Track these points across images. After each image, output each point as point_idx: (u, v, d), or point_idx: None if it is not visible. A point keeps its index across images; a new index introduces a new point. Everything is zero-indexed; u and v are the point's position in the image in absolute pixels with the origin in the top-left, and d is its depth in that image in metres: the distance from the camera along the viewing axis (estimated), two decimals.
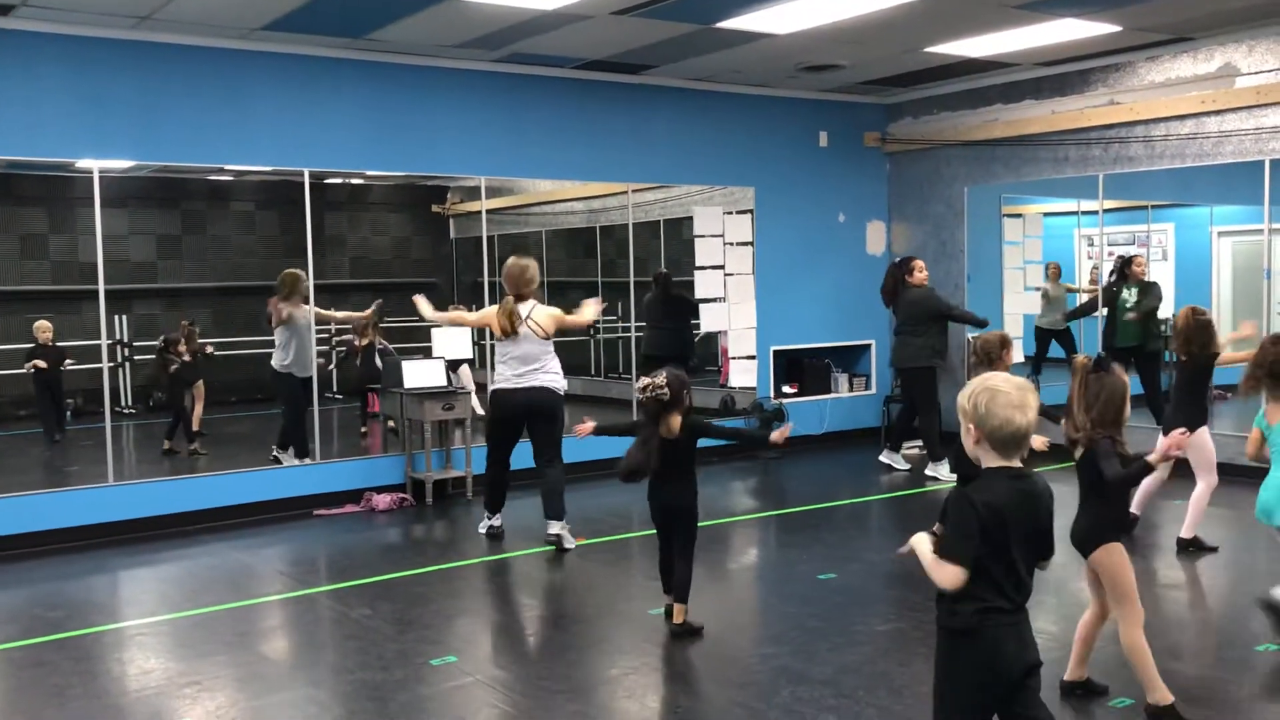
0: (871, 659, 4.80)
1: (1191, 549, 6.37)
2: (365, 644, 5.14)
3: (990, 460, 2.81)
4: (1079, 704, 4.25)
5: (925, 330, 9.01)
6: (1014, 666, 2.79)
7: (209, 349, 9.97)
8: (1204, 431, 6.28)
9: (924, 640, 4.96)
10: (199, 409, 9.80)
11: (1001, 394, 2.75)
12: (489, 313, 7.05)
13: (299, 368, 8.51)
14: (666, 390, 5.06)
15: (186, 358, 9.68)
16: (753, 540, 7.49)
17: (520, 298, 6.88)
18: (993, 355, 5.86)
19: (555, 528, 6.87)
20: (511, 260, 7.06)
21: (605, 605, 5.79)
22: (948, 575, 2.75)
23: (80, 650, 5.19)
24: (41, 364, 9.65)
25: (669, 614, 5.27)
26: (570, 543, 6.84)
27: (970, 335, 6.47)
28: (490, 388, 7.10)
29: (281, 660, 5.13)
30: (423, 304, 7.13)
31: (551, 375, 6.91)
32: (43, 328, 9.87)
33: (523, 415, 6.97)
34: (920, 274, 9.16)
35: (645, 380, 5.14)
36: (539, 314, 6.87)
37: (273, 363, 8.60)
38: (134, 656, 5.14)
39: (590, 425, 5.65)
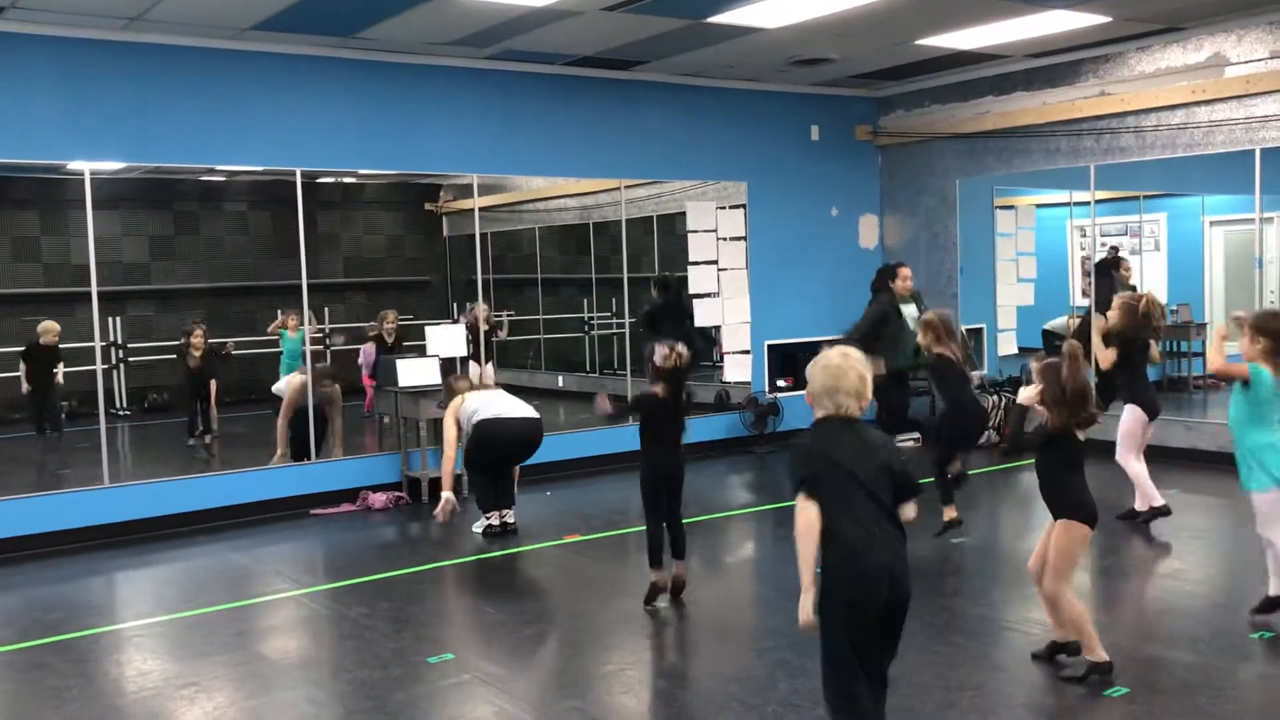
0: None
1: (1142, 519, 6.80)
2: (362, 643, 5.15)
3: (820, 412, 3.38)
4: (1075, 689, 4.27)
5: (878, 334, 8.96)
6: (878, 586, 3.24)
7: (228, 347, 9.96)
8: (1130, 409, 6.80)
9: (920, 631, 4.97)
10: (213, 408, 9.84)
11: (829, 365, 3.36)
12: (454, 405, 7.30)
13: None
14: (687, 357, 5.47)
15: (197, 353, 9.65)
16: (749, 534, 7.50)
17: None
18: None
19: (509, 514, 7.28)
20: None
21: (601, 601, 5.80)
22: (804, 524, 3.24)
23: (78, 652, 5.19)
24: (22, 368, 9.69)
25: (653, 593, 5.49)
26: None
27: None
28: (479, 419, 7.19)
29: (279, 660, 5.13)
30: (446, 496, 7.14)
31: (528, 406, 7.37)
32: (48, 329, 9.80)
33: (509, 449, 7.26)
34: (902, 282, 9.06)
35: (667, 348, 5.45)
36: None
37: None
38: (131, 658, 5.15)
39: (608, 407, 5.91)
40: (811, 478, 3.26)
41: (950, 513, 6.50)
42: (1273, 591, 4.97)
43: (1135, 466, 6.76)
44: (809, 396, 3.42)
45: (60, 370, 9.72)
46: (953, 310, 10.37)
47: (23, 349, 9.86)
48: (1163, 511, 6.72)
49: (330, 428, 8.75)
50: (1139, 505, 6.82)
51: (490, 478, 7.21)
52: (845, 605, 3.23)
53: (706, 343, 10.69)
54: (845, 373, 3.33)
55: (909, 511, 3.37)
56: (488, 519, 7.22)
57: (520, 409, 7.27)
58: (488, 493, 7.22)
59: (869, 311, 9.13)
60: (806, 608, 3.20)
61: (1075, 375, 4.27)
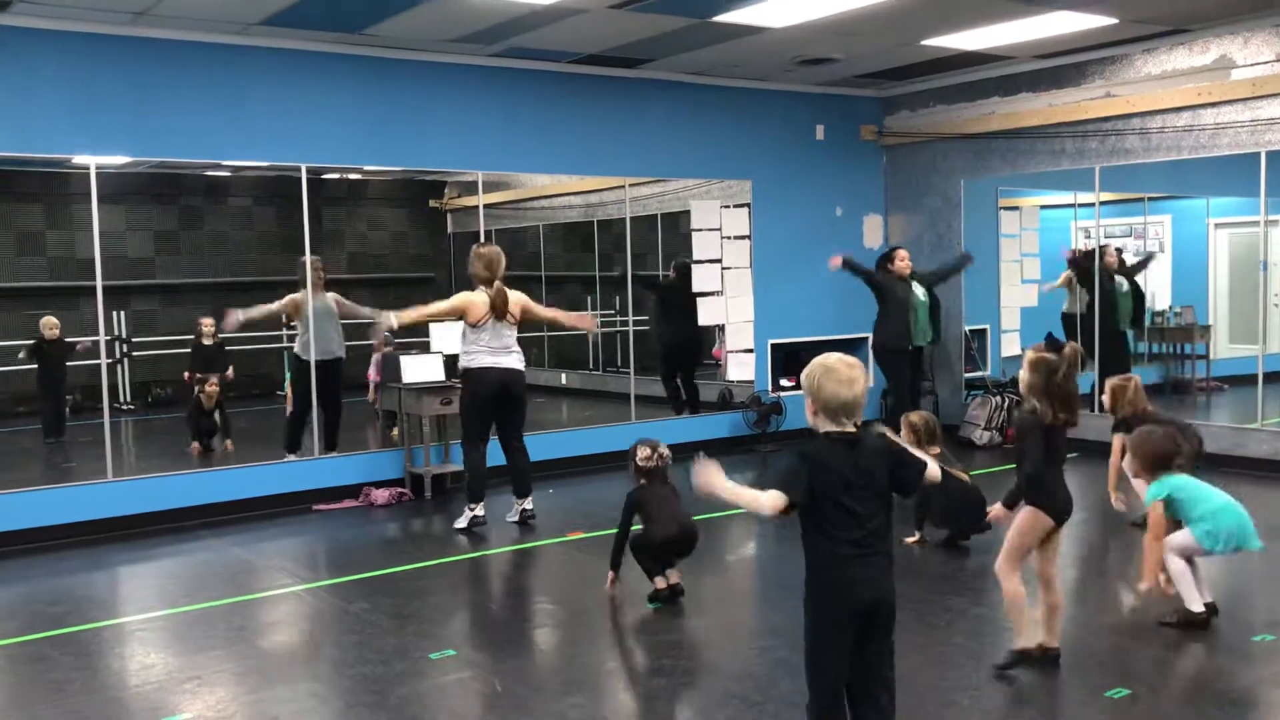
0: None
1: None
2: (364, 638, 5.16)
3: (824, 426, 3.22)
4: (1074, 690, 4.27)
5: (884, 313, 9.42)
6: (860, 601, 3.16)
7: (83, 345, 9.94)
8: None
9: (921, 633, 4.98)
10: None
11: (832, 371, 3.17)
12: (466, 300, 7.07)
13: (304, 351, 8.55)
14: (668, 457, 5.52)
15: (207, 341, 9.67)
16: (751, 533, 7.50)
17: (494, 281, 7.08)
18: None
19: (527, 504, 7.31)
20: (488, 247, 7.25)
21: (603, 598, 5.80)
22: (769, 500, 3.16)
23: (80, 645, 5.20)
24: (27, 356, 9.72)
25: (655, 598, 5.48)
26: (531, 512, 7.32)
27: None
28: (464, 366, 7.14)
29: (281, 655, 5.14)
30: (385, 315, 7.07)
31: (520, 357, 7.21)
32: (48, 323, 9.84)
33: (500, 395, 7.14)
34: (899, 263, 9.42)
35: (649, 448, 5.48)
36: (512, 298, 7.12)
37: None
38: (134, 651, 5.16)
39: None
40: (798, 490, 3.14)
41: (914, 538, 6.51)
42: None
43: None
44: (811, 405, 3.23)
45: (77, 348, 9.76)
46: (956, 310, 10.40)
47: (32, 346, 9.88)
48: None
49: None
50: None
51: (483, 461, 7.17)
52: (830, 621, 3.20)
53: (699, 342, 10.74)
54: (853, 381, 3.17)
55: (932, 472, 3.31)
56: (472, 510, 7.18)
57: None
58: (480, 481, 7.17)
59: (877, 272, 9.50)
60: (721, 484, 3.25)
61: (1069, 378, 4.26)
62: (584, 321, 7.49)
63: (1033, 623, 4.46)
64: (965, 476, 6.11)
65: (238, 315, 8.49)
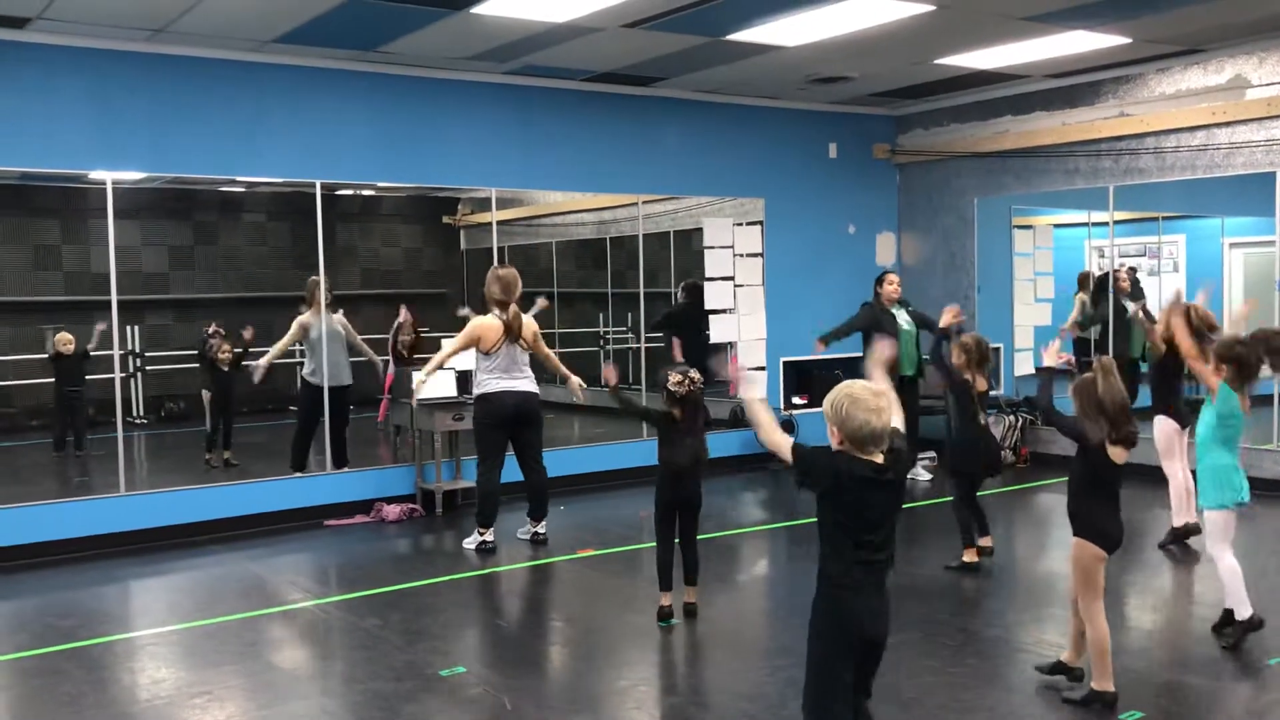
0: (880, 671, 4.75)
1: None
2: (375, 654, 5.15)
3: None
4: (1091, 714, 4.24)
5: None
6: (865, 626, 3.20)
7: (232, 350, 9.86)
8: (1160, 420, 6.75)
9: (933, 653, 4.95)
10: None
11: (860, 400, 3.09)
12: (478, 330, 7.07)
13: (315, 377, 8.58)
14: (700, 382, 5.46)
15: (222, 355, 9.58)
16: (763, 551, 7.49)
17: (509, 305, 7.10)
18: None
19: (540, 526, 7.35)
20: (506, 269, 7.29)
21: (614, 616, 5.79)
22: (782, 443, 3.21)
23: (92, 659, 5.21)
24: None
25: (661, 615, 5.46)
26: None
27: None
28: (479, 392, 7.15)
29: (292, 670, 5.14)
30: (415, 381, 7.29)
31: (532, 380, 7.25)
32: (63, 339, 9.86)
33: (514, 418, 7.16)
34: (888, 287, 9.14)
35: (679, 374, 5.44)
36: (525, 323, 7.18)
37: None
38: (145, 666, 5.16)
39: (614, 378, 5.86)
40: (814, 479, 3.19)
41: (971, 555, 6.40)
42: (1240, 615, 4.94)
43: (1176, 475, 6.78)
44: (837, 435, 3.16)
45: (99, 332, 9.65)
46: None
47: (51, 360, 9.90)
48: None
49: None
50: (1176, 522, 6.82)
51: (497, 486, 7.17)
52: (837, 642, 3.23)
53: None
54: (881, 411, 3.09)
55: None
56: (481, 535, 7.16)
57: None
58: (492, 505, 7.15)
59: (857, 316, 9.19)
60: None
61: (1112, 388, 4.14)
62: (573, 386, 7.43)
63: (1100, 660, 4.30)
64: (983, 420, 6.34)
65: (261, 366, 8.71)
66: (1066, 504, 4.42)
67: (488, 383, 7.09)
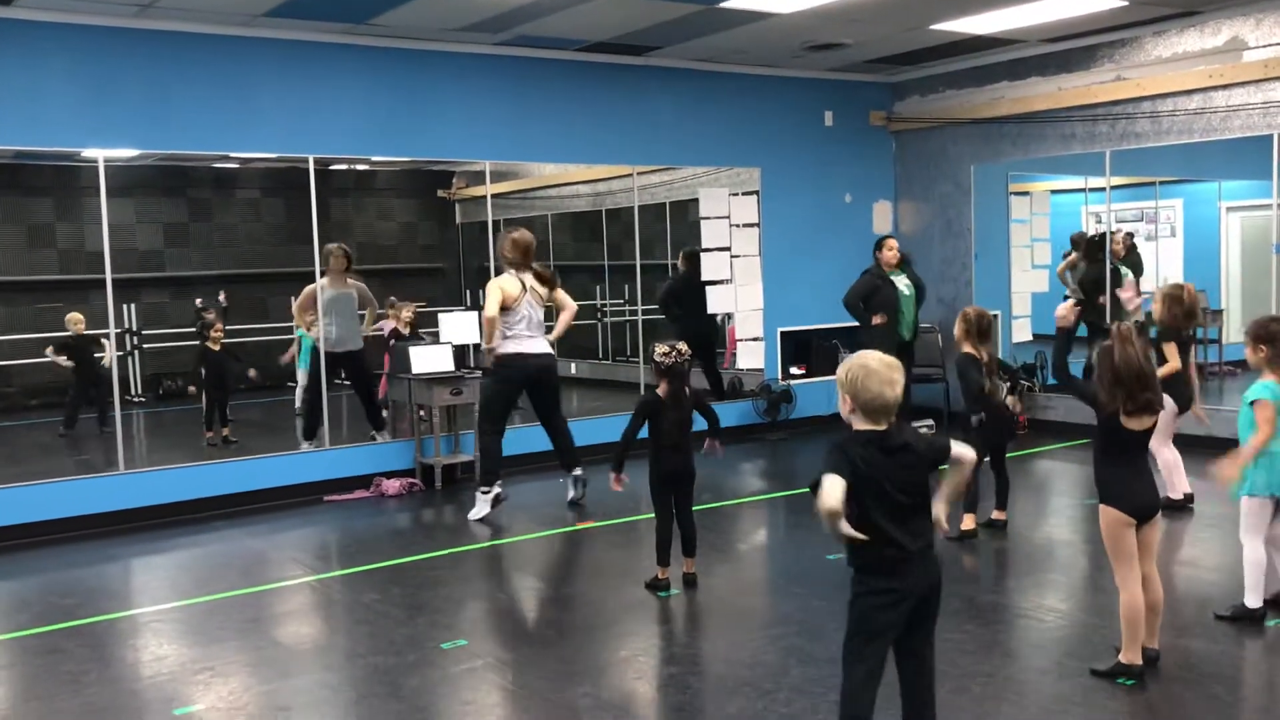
0: None
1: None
2: (376, 628, 5.17)
3: (860, 425, 3.17)
4: (1088, 678, 4.25)
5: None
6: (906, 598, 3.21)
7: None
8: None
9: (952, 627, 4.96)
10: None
11: (875, 372, 3.11)
12: (500, 290, 7.09)
13: (324, 343, 8.63)
14: (687, 354, 5.50)
15: (214, 334, 9.55)
16: (761, 521, 7.50)
17: (525, 267, 7.21)
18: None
19: (579, 470, 7.48)
20: (520, 232, 7.38)
21: (614, 587, 5.81)
22: (827, 487, 3.02)
23: (94, 637, 5.22)
24: (66, 361, 9.65)
25: (657, 586, 5.52)
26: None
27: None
28: (501, 351, 7.15)
29: (293, 645, 5.16)
30: (485, 352, 7.31)
31: (546, 339, 7.35)
32: (74, 319, 9.80)
33: (535, 381, 7.27)
34: (887, 253, 9.14)
35: (667, 345, 5.48)
36: (538, 281, 7.29)
37: None
38: (147, 643, 5.18)
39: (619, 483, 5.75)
40: (845, 474, 3.08)
41: (970, 522, 6.39)
42: (1250, 603, 4.82)
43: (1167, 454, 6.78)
44: (849, 404, 3.17)
45: (106, 355, 9.34)
46: (967, 297, 10.35)
47: (65, 342, 9.86)
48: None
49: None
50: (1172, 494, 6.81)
51: (500, 444, 7.26)
52: (879, 615, 3.22)
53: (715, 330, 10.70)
54: (894, 383, 3.12)
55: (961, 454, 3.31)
56: (488, 493, 7.19)
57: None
58: (497, 461, 7.24)
59: (858, 283, 9.19)
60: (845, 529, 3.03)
61: (1129, 357, 4.04)
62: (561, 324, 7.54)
63: (1135, 635, 4.21)
64: (1001, 392, 6.42)
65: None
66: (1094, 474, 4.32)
67: (509, 344, 7.12)
